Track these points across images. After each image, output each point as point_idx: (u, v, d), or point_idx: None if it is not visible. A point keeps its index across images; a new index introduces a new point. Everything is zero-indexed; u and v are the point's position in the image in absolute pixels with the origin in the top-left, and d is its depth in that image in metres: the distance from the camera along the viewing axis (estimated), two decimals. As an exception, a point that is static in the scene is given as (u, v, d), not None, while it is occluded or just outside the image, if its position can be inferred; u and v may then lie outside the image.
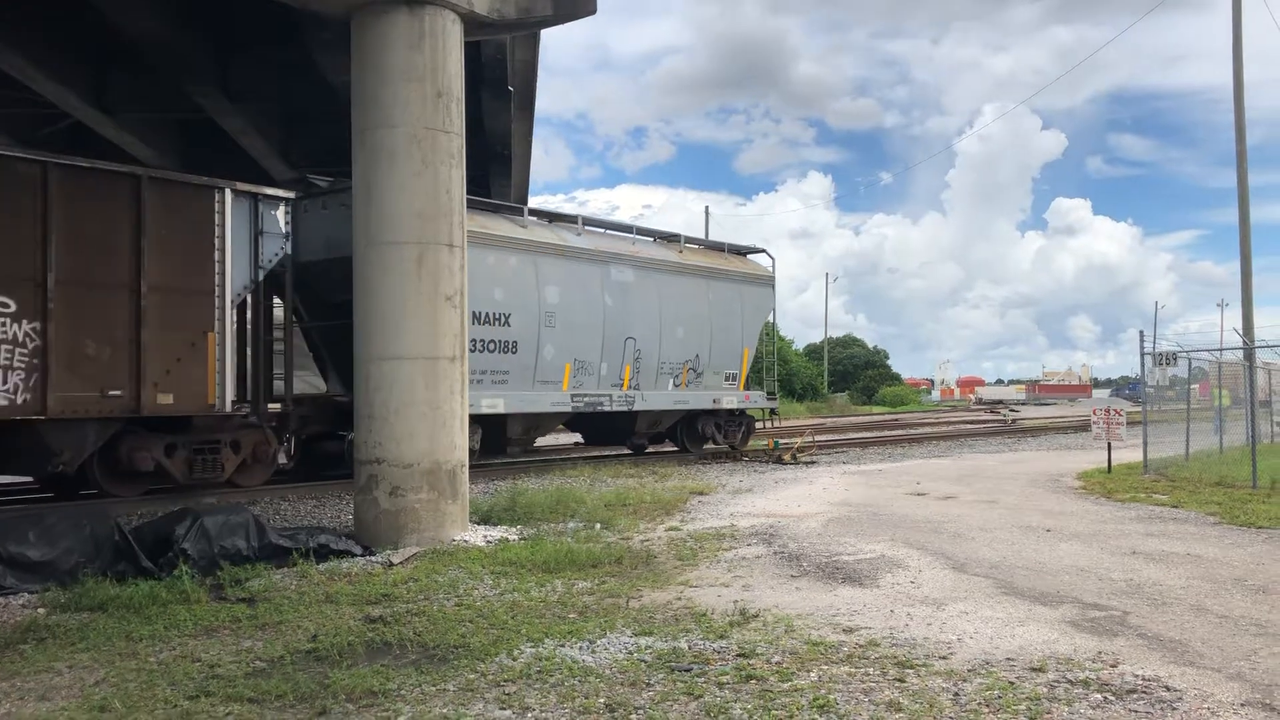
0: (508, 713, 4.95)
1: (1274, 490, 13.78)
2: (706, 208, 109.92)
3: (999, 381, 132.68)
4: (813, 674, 5.48)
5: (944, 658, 5.81)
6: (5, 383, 11.08)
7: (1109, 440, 17.59)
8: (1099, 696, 5.08)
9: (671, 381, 20.08)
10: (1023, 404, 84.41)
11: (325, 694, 5.24)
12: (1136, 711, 4.88)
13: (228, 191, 12.98)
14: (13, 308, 11.15)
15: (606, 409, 18.62)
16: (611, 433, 20.83)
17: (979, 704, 4.98)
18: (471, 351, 15.42)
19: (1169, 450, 17.81)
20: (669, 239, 21.25)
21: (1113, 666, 5.59)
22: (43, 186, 11.36)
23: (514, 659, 5.82)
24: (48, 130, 19.19)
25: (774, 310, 23.01)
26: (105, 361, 11.87)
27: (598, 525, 10.96)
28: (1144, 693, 5.14)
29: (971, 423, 42.75)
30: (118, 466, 12.66)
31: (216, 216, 12.87)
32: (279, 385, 14.77)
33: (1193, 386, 20.45)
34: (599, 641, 6.16)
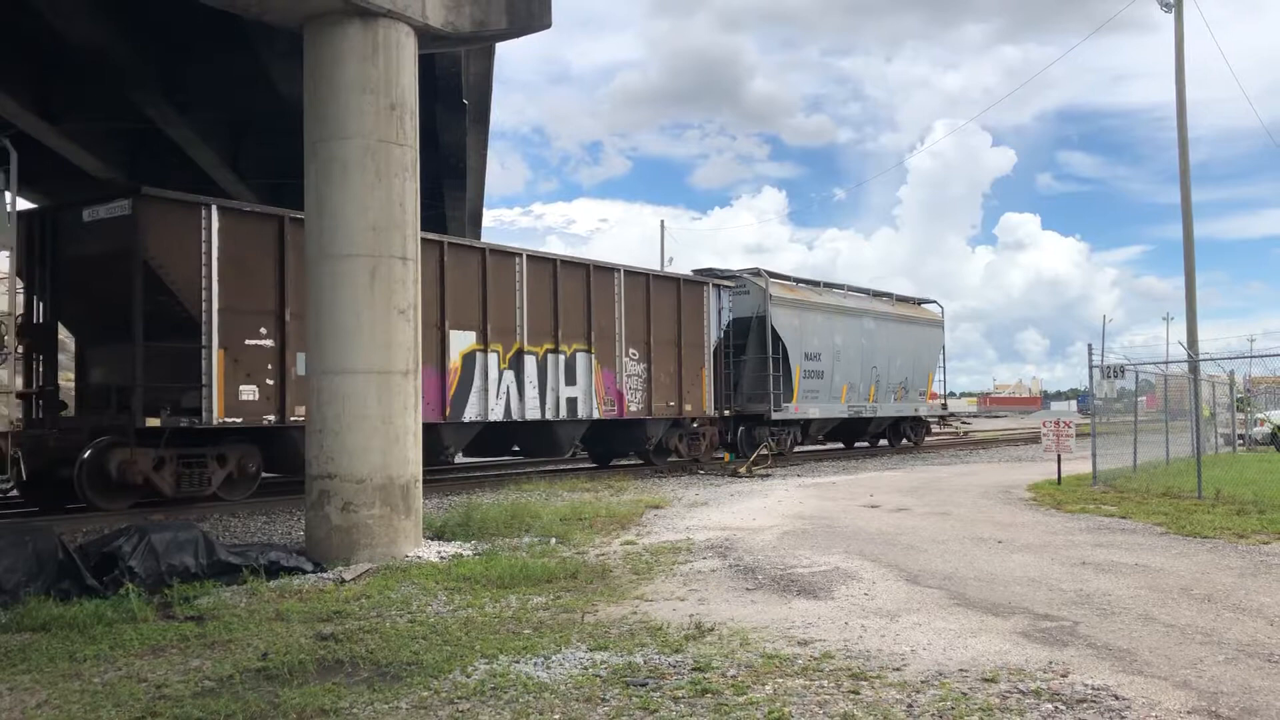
0: (461, 730, 4.90)
1: (1219, 501, 14.02)
2: (662, 222, 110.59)
3: (951, 394, 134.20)
4: (768, 687, 5.49)
5: (898, 669, 5.84)
6: (634, 398, 20.73)
7: (1059, 452, 17.82)
8: (1050, 706, 5.13)
9: (892, 396, 29.32)
10: (974, 416, 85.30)
11: (275, 713, 5.16)
12: (1086, 721, 4.94)
13: (710, 284, 23.04)
14: (637, 356, 20.79)
15: (862, 416, 28.11)
16: (850, 433, 29.73)
17: (932, 715, 5.01)
18: (804, 378, 25.40)
19: (1117, 462, 18.09)
20: (881, 295, 30.25)
21: (1063, 676, 5.65)
22: (646, 290, 21.24)
23: (468, 676, 5.76)
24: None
25: (944, 346, 32.56)
26: (668, 386, 21.51)
27: (553, 540, 10.91)
28: (1093, 702, 5.20)
29: (924, 435, 43.07)
30: (660, 448, 22.27)
31: (705, 300, 22.68)
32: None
33: (1140, 399, 20.80)
34: (554, 657, 6.12)
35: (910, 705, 5.16)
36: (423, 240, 14.04)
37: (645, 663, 6.00)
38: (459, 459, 19.39)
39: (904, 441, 31.20)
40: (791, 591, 8.16)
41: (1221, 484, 15.25)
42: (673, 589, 8.29)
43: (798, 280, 27.12)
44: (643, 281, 21.06)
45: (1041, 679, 5.60)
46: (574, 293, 19.50)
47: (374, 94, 10.02)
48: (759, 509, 13.90)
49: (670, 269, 23.38)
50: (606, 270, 20.38)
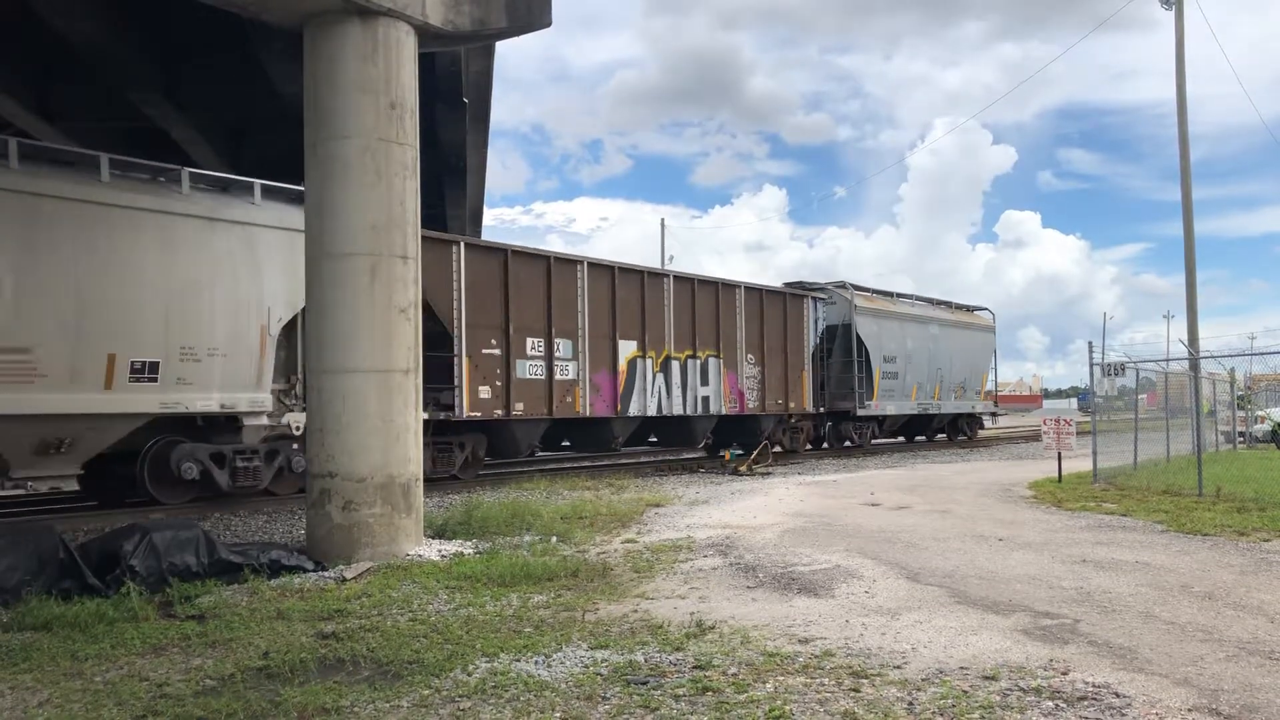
0: (463, 729, 4.90)
1: (1219, 498, 14.02)
2: (662, 220, 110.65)
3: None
4: (769, 685, 5.49)
5: (898, 667, 5.84)
6: (751, 397, 23.75)
7: (1059, 450, 17.81)
8: (1050, 704, 5.13)
9: (953, 395, 32.07)
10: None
11: (277, 712, 5.16)
12: (1087, 718, 4.94)
13: (809, 297, 26.17)
14: (753, 360, 23.80)
15: (929, 412, 31.12)
16: (916, 428, 32.92)
17: (933, 713, 5.01)
18: (882, 379, 28.00)
19: (1118, 460, 18.08)
20: (940, 303, 33.07)
21: (1064, 674, 5.66)
22: (760, 303, 24.13)
23: (469, 674, 5.77)
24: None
25: (995, 350, 35.54)
26: (777, 386, 24.59)
27: (554, 538, 10.92)
28: (1094, 699, 5.20)
29: (924, 433, 43.07)
30: (765, 437, 24.43)
31: (805, 311, 25.84)
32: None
33: (1141, 396, 20.80)
34: (555, 655, 6.13)
35: (911, 703, 5.17)
36: (598, 265, 20.00)
37: (646, 661, 6.00)
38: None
39: (961, 436, 34.48)
40: (792, 589, 8.17)
41: (1222, 481, 15.24)
42: (674, 587, 8.29)
43: (875, 291, 30.04)
44: (758, 296, 24.30)
45: (1042, 677, 5.60)
46: (706, 307, 22.66)
47: (374, 93, 10.01)
48: (760, 507, 13.90)
49: (766, 282, 25.89)
50: (730, 287, 23.61)
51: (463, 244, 17.31)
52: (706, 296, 22.69)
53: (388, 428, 10.02)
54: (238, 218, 13.76)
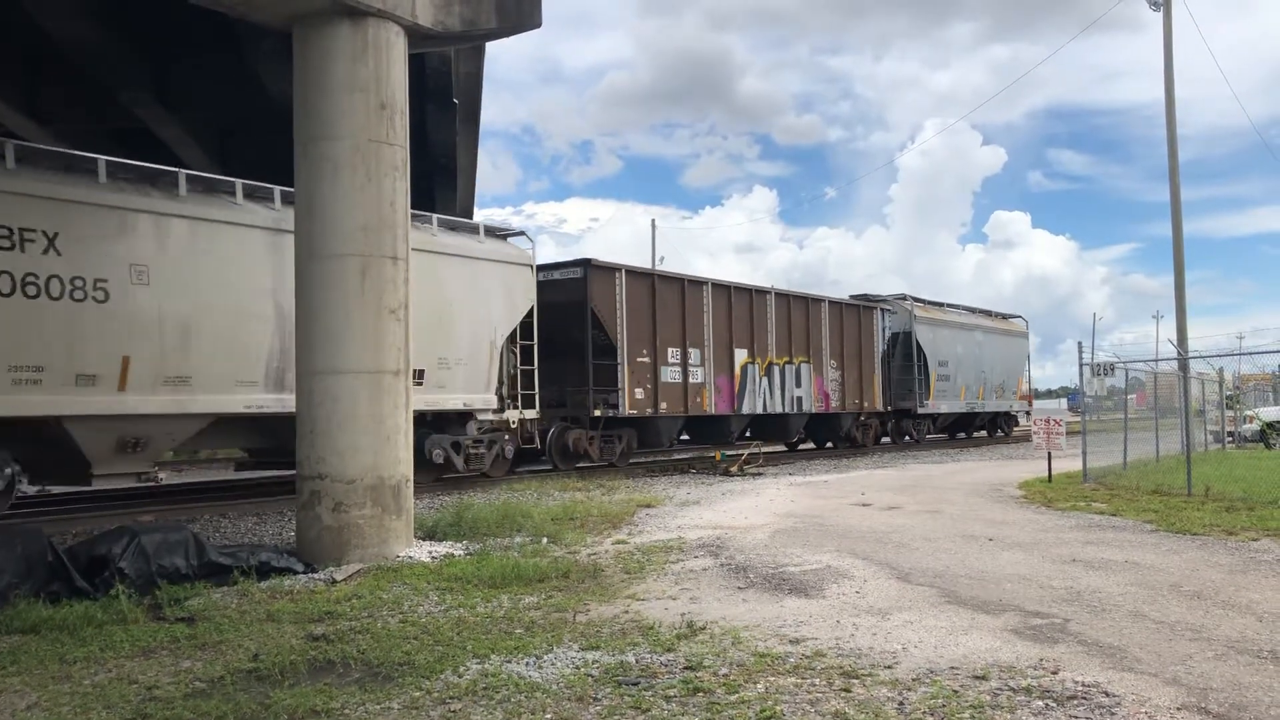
0: (453, 730, 4.89)
1: (1208, 497, 14.06)
2: (653, 221, 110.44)
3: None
4: (760, 685, 5.49)
5: (889, 667, 5.85)
6: (834, 397, 27.29)
7: (1049, 450, 17.85)
8: (1040, 703, 5.14)
9: (994, 395, 35.48)
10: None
11: (267, 714, 5.15)
12: (1077, 717, 4.95)
13: (879, 309, 29.75)
14: (835, 365, 27.28)
15: (974, 410, 34.77)
16: (961, 425, 36.35)
17: (924, 712, 5.02)
18: (939, 381, 31.31)
19: (1107, 459, 18.13)
20: (979, 311, 36.37)
21: (1054, 673, 5.67)
22: (840, 314, 27.80)
23: (459, 676, 5.76)
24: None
25: (1029, 354, 39.26)
26: (854, 388, 28.12)
27: (544, 539, 10.91)
28: (1084, 698, 5.22)
29: (915, 433, 43.32)
30: (846, 435, 28.78)
31: (875, 321, 29.48)
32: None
33: (1130, 396, 20.87)
34: (545, 657, 6.12)
35: (902, 703, 5.17)
36: (719, 285, 23.62)
37: (637, 662, 6.00)
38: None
39: (999, 433, 37.88)
40: (783, 590, 8.17)
41: (1211, 481, 15.29)
42: (664, 588, 8.29)
43: (929, 302, 33.30)
44: (838, 309, 28.20)
45: (1032, 676, 5.61)
46: (799, 318, 26.35)
47: (364, 93, 9.99)
48: (750, 508, 13.91)
49: (829, 293, 29.22)
50: (817, 301, 27.37)
51: (624, 270, 20.85)
52: (798, 309, 26.35)
53: (378, 429, 10.00)
54: (473, 253, 17.11)
